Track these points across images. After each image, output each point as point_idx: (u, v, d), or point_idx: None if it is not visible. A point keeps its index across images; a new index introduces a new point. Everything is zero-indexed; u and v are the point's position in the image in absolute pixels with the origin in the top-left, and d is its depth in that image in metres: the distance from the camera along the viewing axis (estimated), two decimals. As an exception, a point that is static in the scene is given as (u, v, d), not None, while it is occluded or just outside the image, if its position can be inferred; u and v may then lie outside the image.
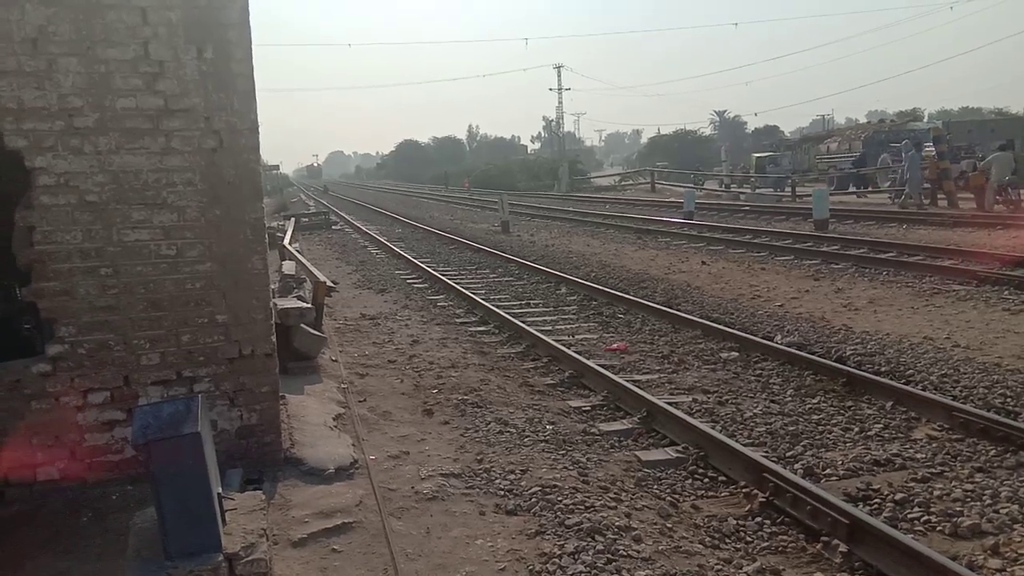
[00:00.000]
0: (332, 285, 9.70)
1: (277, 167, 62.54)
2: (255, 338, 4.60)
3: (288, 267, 10.94)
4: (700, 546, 3.94)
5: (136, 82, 4.22)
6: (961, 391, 6.17)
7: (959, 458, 4.94)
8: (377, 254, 18.51)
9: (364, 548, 3.85)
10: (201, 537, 3.11)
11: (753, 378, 6.94)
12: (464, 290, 11.73)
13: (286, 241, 15.38)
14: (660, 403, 5.91)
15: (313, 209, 34.38)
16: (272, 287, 6.63)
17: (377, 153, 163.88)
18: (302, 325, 6.89)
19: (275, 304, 6.31)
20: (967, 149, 24.57)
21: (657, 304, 10.17)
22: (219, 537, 3.16)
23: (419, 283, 13.48)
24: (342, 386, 6.67)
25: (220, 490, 3.42)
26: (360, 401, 6.32)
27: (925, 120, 43.54)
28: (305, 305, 7.26)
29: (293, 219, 22.93)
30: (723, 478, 4.87)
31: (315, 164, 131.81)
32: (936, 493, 4.42)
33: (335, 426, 5.52)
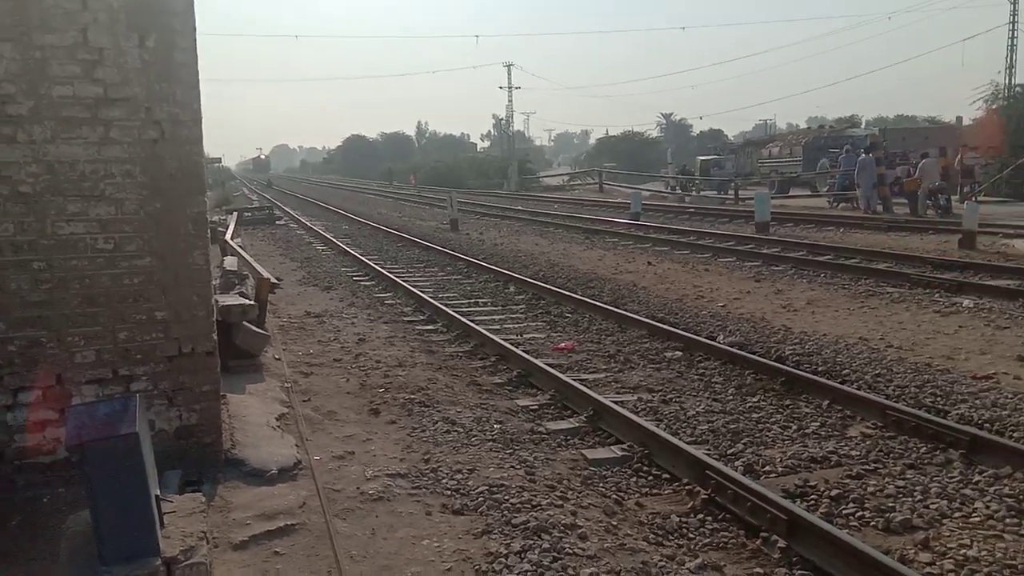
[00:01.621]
0: (276, 282, 9.53)
1: (219, 160, 61.12)
2: (195, 336, 4.49)
3: (230, 263, 10.71)
4: (644, 543, 4.00)
5: (74, 69, 4.07)
6: (894, 390, 6.39)
7: (892, 455, 5.12)
8: (323, 250, 18.25)
9: (307, 550, 3.80)
10: (138, 541, 3.02)
11: (696, 377, 7.07)
12: (412, 288, 11.65)
13: (228, 236, 15.04)
14: (606, 402, 5.97)
15: (257, 204, 33.73)
16: (214, 283, 6.48)
17: (324, 148, 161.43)
18: (244, 323, 6.74)
19: (216, 301, 6.16)
20: (902, 155, 25.42)
21: (604, 304, 10.27)
22: (157, 541, 3.07)
23: (366, 280, 13.34)
24: (286, 385, 6.56)
25: (158, 492, 3.33)
26: (304, 400, 6.22)
27: (863, 127, 44.85)
28: (248, 302, 7.11)
29: (236, 213, 22.43)
30: (667, 476, 4.95)
31: (261, 157, 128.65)
32: (870, 489, 4.57)
33: (278, 426, 5.42)
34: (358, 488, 4.49)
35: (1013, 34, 43.01)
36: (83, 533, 3.19)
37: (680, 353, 7.85)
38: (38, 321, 4.13)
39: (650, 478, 4.96)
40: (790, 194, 30.84)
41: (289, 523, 4.02)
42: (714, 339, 8.27)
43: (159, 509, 3.20)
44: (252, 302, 7.25)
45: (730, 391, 6.60)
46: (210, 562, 3.25)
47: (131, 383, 4.34)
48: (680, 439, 5.32)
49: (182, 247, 4.41)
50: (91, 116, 4.13)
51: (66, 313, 4.18)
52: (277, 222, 26.20)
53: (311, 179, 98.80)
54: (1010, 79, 40.29)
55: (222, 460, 4.65)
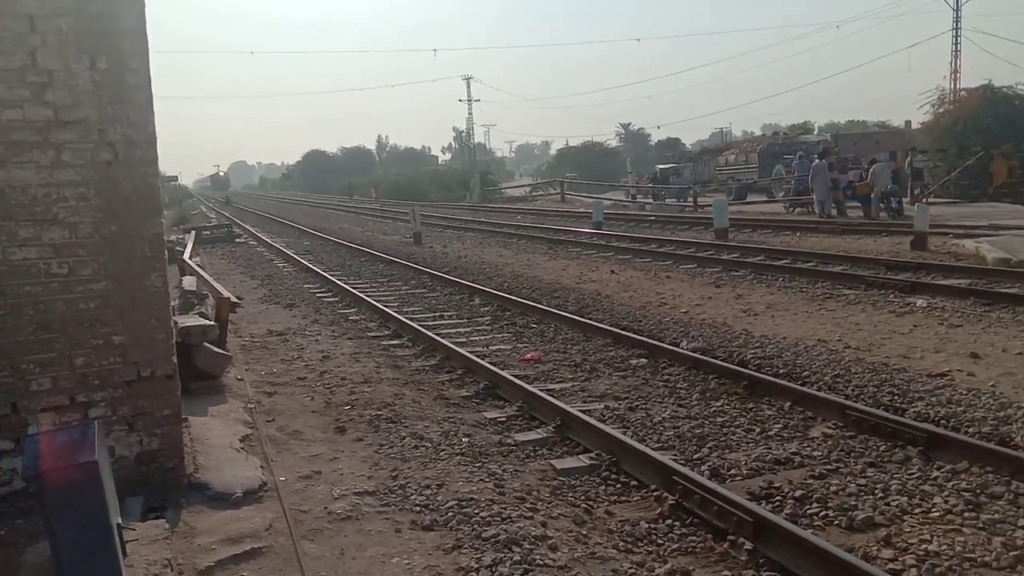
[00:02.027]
0: (236, 301, 9.40)
1: (176, 178, 60.19)
2: (155, 359, 4.42)
3: (189, 283, 10.54)
4: (614, 551, 4.02)
5: (23, 92, 3.99)
6: (853, 390, 6.53)
7: (852, 454, 5.22)
8: (284, 267, 18.06)
9: (275, 572, 3.75)
10: (100, 571, 2.96)
11: (661, 383, 7.15)
12: (376, 303, 11.58)
13: (186, 255, 14.81)
14: (573, 411, 6.00)
15: (215, 221, 33.27)
16: (172, 304, 6.38)
17: (283, 163, 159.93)
18: (205, 343, 6.65)
19: (176, 322, 6.07)
20: (854, 160, 26.05)
21: (569, 313, 10.33)
22: (120, 570, 3.01)
23: (329, 297, 13.23)
24: (249, 406, 6.47)
25: (120, 520, 3.26)
26: (268, 421, 6.14)
27: (815, 133, 45.91)
28: (208, 322, 7.01)
29: (194, 232, 22.10)
30: (635, 483, 4.98)
31: (220, 173, 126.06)
32: (832, 489, 4.66)
33: (242, 448, 5.34)
34: (325, 508, 4.44)
35: (957, 40, 44.46)
36: (42, 565, 3.11)
37: (645, 360, 7.93)
38: (-10, 349, 4.03)
39: (618, 486, 4.99)
40: (747, 200, 31.37)
41: (256, 546, 3.96)
42: (678, 345, 8.37)
43: (121, 538, 3.14)
44: (212, 322, 7.15)
45: (695, 396, 6.68)
46: (175, 590, 3.19)
47: (89, 409, 4.25)
48: (647, 446, 5.37)
49: (139, 269, 4.34)
50: (42, 139, 4.06)
51: (20, 340, 4.08)
52: (236, 240, 25.86)
53: (271, 195, 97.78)
54: (955, 83, 41.61)
55: (185, 485, 4.57)
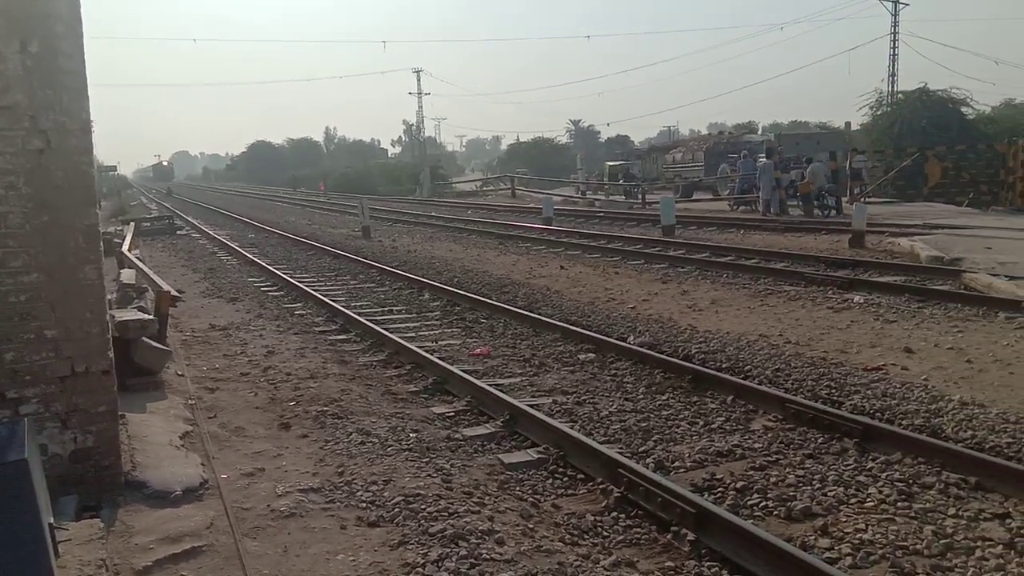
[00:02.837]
0: (177, 294, 9.15)
1: (115, 168, 58.31)
2: (89, 354, 4.27)
3: (127, 276, 10.23)
4: (560, 544, 4.05)
5: (-53, 75, 3.81)
6: (793, 384, 6.70)
7: (792, 446, 5.36)
8: (228, 260, 17.67)
9: (216, 572, 3.67)
10: (31, 572, 2.85)
11: (609, 378, 7.22)
12: (323, 297, 11.42)
13: (125, 248, 14.37)
14: (522, 406, 6.02)
15: (156, 213, 32.38)
16: (109, 298, 6.19)
17: (227, 154, 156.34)
18: (143, 338, 6.46)
19: (112, 316, 5.89)
20: (796, 160, 26.71)
21: (519, 308, 10.36)
22: (52, 570, 2.91)
23: (274, 291, 13.00)
24: (189, 402, 6.32)
25: (51, 520, 3.15)
26: (210, 417, 6.01)
27: (759, 132, 46.91)
28: (146, 317, 6.81)
29: (133, 224, 21.45)
30: (582, 476, 5.03)
31: (164, 163, 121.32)
32: (772, 480, 4.78)
33: (182, 445, 5.22)
34: (268, 505, 4.36)
35: (894, 45, 45.88)
36: (-33, 569, 2.98)
37: (593, 355, 8.00)
38: (-88, 344, 3.85)
39: (565, 479, 5.03)
40: (694, 198, 31.92)
41: (196, 545, 3.87)
42: (625, 340, 8.47)
43: (53, 538, 3.04)
44: (151, 317, 6.96)
45: (641, 390, 6.77)
46: (110, 591, 3.10)
47: (20, 406, 4.09)
48: (594, 439, 5.42)
49: (72, 261, 4.19)
50: (-32, 125, 3.88)
51: (-56, 334, 3.90)
52: (178, 232, 25.21)
53: (215, 187, 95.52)
54: (893, 86, 42.97)
55: (122, 483, 4.44)
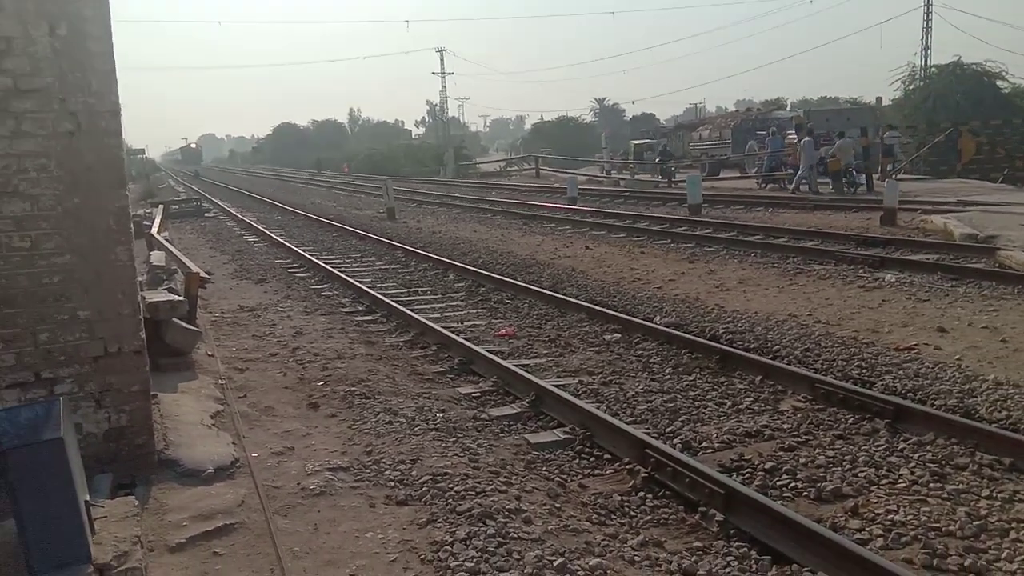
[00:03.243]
0: (206, 276, 9.27)
1: (143, 151, 58.99)
2: (122, 334, 4.33)
3: (157, 258, 10.35)
4: (587, 523, 4.06)
5: (-22, 60, 3.85)
6: (823, 364, 6.62)
7: (821, 427, 5.31)
8: (255, 242, 17.83)
9: (248, 549, 3.73)
10: (68, 549, 2.92)
11: (635, 358, 7.18)
12: (349, 279, 11.49)
13: (154, 230, 14.56)
14: (548, 386, 6.01)
15: (184, 196, 32.73)
16: (140, 279, 6.26)
17: (253, 136, 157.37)
18: (174, 319, 6.55)
19: (143, 297, 5.97)
20: (826, 137, 26.26)
21: (544, 289, 10.33)
22: (88, 547, 2.98)
23: (301, 272, 13.10)
24: (220, 382, 6.40)
25: (88, 497, 3.22)
26: (240, 397, 6.08)
27: (788, 109, 46.10)
28: (176, 298, 6.90)
29: (161, 206, 21.71)
30: (608, 456, 5.02)
31: (192, 146, 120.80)
32: (802, 461, 4.74)
33: (213, 424, 5.29)
34: (298, 484, 4.42)
35: (928, 17, 44.75)
36: (9, 543, 3.06)
37: (619, 335, 7.97)
38: (-50, 325, 3.92)
39: (592, 459, 5.02)
40: (720, 176, 31.51)
41: (228, 522, 3.94)
42: (651, 320, 8.42)
43: (89, 515, 3.10)
44: (181, 298, 7.04)
45: (667, 370, 6.73)
46: (145, 566, 3.16)
47: (55, 386, 4.17)
48: (620, 420, 5.41)
49: (104, 243, 4.24)
50: (1, 109, 3.92)
51: (-19, 316, 3.98)
52: (206, 214, 25.47)
53: (241, 169, 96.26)
54: (926, 60, 41.94)
55: (155, 461, 4.52)
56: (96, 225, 4.21)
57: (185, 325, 6.73)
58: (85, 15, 4.05)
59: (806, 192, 21.51)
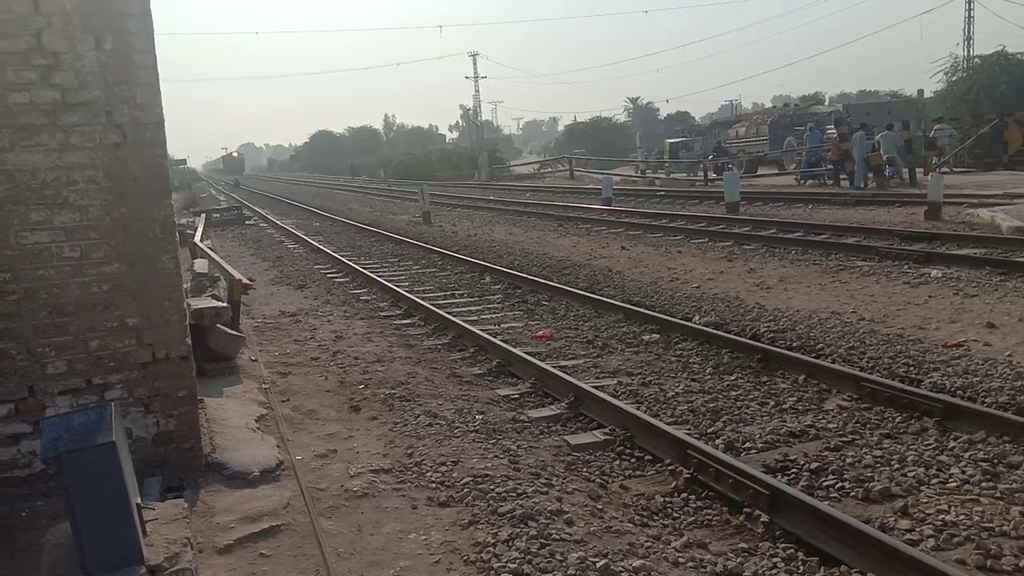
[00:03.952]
0: (248, 282, 9.42)
1: (184, 161, 60.25)
2: (169, 341, 4.43)
3: (200, 265, 10.57)
4: (630, 525, 4.03)
5: (30, 75, 3.97)
6: (868, 362, 6.49)
7: (868, 426, 5.20)
8: (294, 249, 18.09)
9: (294, 550, 3.78)
10: (121, 550, 2.99)
11: (674, 358, 7.12)
12: (387, 283, 11.59)
13: (197, 238, 14.85)
14: (587, 387, 5.99)
15: (225, 204, 33.34)
16: (185, 287, 6.40)
17: (290, 145, 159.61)
18: (218, 325, 6.67)
19: (189, 304, 6.09)
20: (868, 130, 25.79)
21: (580, 290, 10.31)
22: (140, 549, 3.04)
23: (340, 277, 13.25)
24: (263, 386, 6.50)
25: (139, 500, 3.29)
26: (283, 401, 6.18)
27: (826, 103, 45.38)
28: (220, 304, 7.03)
29: (204, 215, 22.15)
30: (649, 457, 4.98)
31: (234, 154, 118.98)
32: (848, 460, 4.65)
33: (258, 428, 5.38)
34: (342, 486, 4.47)
35: (970, 6, 43.68)
36: (64, 546, 3.14)
37: (657, 335, 7.91)
38: (6, 333, 4.05)
39: (633, 460, 4.99)
40: (758, 173, 31.11)
41: (274, 524, 4.00)
42: (690, 320, 8.34)
43: (141, 517, 3.17)
44: (225, 304, 7.18)
45: (708, 370, 6.66)
46: (196, 567, 3.22)
47: (105, 392, 4.28)
48: (661, 420, 5.36)
49: (151, 251, 4.34)
50: (50, 122, 4.04)
51: (35, 324, 4.10)
52: (247, 222, 25.91)
53: (279, 177, 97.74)
54: (969, 51, 40.96)
55: (203, 465, 4.61)
56: (143, 234, 4.31)
57: (229, 331, 6.86)
58: (130, 29, 4.15)
59: (867, 187, 20.98)
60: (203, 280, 9.15)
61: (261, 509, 4.16)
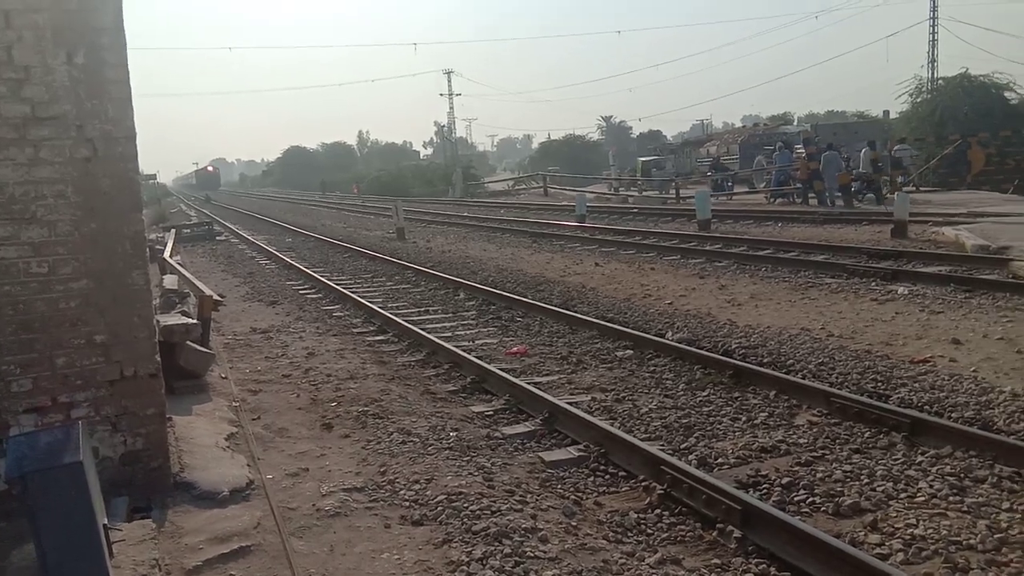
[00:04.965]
0: (219, 299, 9.32)
1: (154, 176, 59.50)
2: (137, 358, 4.37)
3: (170, 281, 10.44)
4: (604, 541, 4.03)
5: (-1, 89, 3.92)
6: (837, 378, 6.58)
7: (838, 441, 5.26)
8: (266, 265, 17.93)
9: (264, 571, 3.72)
10: (87, 572, 2.93)
11: (647, 374, 7.16)
12: (361, 299, 11.53)
13: (167, 254, 14.67)
14: (561, 404, 6.00)
15: (195, 219, 32.99)
16: (154, 303, 6.31)
17: (263, 160, 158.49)
18: (188, 342, 6.59)
19: (158, 321, 6.01)
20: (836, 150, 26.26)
21: (554, 306, 10.34)
22: (107, 571, 2.98)
23: (312, 294, 13.15)
24: (234, 404, 6.42)
25: (106, 521, 3.23)
26: (254, 419, 6.10)
27: (795, 123, 46.17)
28: (190, 321, 6.95)
29: (174, 230, 21.89)
30: (623, 473, 4.99)
31: (209, 169, 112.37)
32: (819, 475, 4.70)
33: (228, 446, 5.30)
34: (314, 505, 4.42)
35: (934, 30, 44.81)
36: (29, 568, 3.08)
37: (631, 352, 7.95)
38: (-31, 351, 3.97)
39: (607, 477, 5.00)
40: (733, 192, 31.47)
41: (244, 545, 3.94)
42: (663, 336, 8.40)
43: (107, 538, 3.11)
44: (195, 321, 7.09)
45: (681, 386, 6.71)
46: (164, 590, 3.16)
47: (72, 410, 4.20)
48: (635, 436, 5.38)
49: (120, 267, 4.29)
50: (19, 136, 3.99)
51: (0, 341, 4.02)
52: (217, 238, 25.65)
53: (251, 193, 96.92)
54: (933, 73, 41.97)
55: (171, 484, 4.53)
56: (112, 250, 4.26)
57: (199, 348, 6.77)
58: (102, 44, 4.12)
59: (838, 207, 21.36)
60: (172, 296, 9.03)
61: (231, 529, 4.09)
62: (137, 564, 3.13)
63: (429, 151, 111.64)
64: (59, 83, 4.04)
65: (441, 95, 71.93)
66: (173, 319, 6.85)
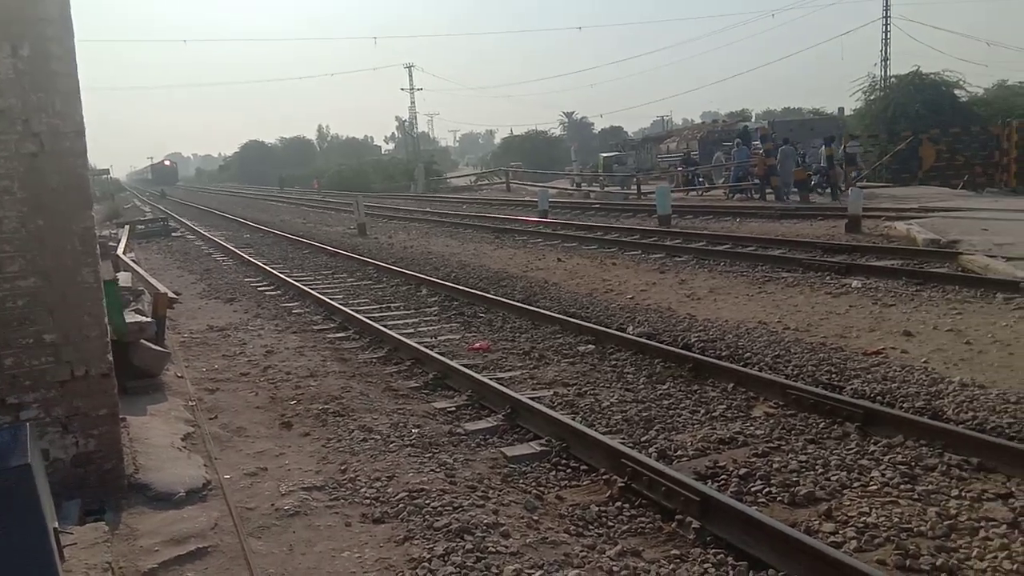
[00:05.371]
0: (174, 296, 9.14)
1: (107, 171, 58.10)
2: (89, 358, 4.26)
3: (124, 278, 10.19)
4: (565, 535, 4.05)
5: (-63, 81, 3.79)
6: (793, 370, 6.70)
7: (793, 432, 5.37)
8: (224, 261, 17.63)
9: (222, 572, 3.67)
10: (36, 578, 2.85)
11: (609, 368, 7.22)
12: (321, 296, 11.41)
13: (120, 251, 14.33)
14: (523, 399, 6.01)
15: (150, 215, 32.30)
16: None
17: (220, 155, 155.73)
18: (142, 341, 6.45)
19: (110, 319, 5.86)
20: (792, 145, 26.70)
21: (517, 302, 10.35)
22: (58, 575, 2.90)
23: (271, 290, 12.97)
24: (190, 403, 6.31)
25: (56, 524, 3.14)
26: (211, 418, 6.00)
27: (753, 120, 46.90)
28: (144, 319, 6.80)
29: (127, 226, 21.39)
30: (585, 467, 5.03)
31: (166, 163, 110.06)
32: (775, 466, 4.78)
33: (184, 446, 5.21)
34: (272, 504, 4.36)
35: (886, 29, 45.84)
36: (-27, 575, 2.98)
37: (592, 346, 8.00)
38: (-90, 352, 3.83)
39: (569, 471, 5.02)
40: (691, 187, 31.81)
41: (201, 546, 3.87)
42: (624, 331, 8.47)
43: (58, 542, 3.03)
44: (149, 319, 6.95)
45: (641, 380, 6.77)
46: (117, 594, 3.10)
47: (21, 411, 4.08)
48: (596, 430, 5.42)
49: (69, 265, 4.17)
50: (-39, 130, 3.86)
51: (-58, 341, 3.89)
52: (173, 234, 25.14)
53: (208, 188, 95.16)
54: (885, 71, 42.94)
55: (125, 486, 4.43)
56: (61, 247, 4.14)
57: (153, 347, 6.64)
58: (48, 35, 4.00)
59: (794, 201, 21.72)
60: (126, 294, 8.83)
61: (187, 531, 4.02)
62: (89, 568, 3.06)
63: (391, 146, 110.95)
64: (3, 76, 3.91)
65: (402, 90, 71.64)
66: (126, 317, 6.69)
